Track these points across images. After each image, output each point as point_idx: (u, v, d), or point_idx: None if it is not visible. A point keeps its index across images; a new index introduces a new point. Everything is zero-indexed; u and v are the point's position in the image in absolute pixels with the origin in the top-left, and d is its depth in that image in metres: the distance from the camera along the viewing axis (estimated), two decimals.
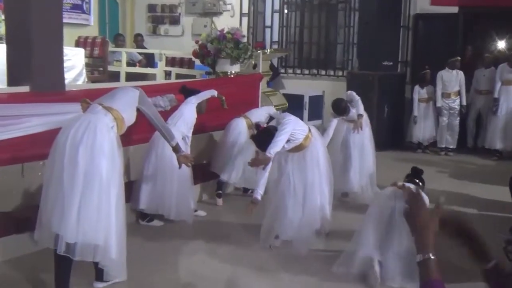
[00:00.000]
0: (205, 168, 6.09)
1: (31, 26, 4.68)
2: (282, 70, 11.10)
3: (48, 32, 4.78)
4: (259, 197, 4.40)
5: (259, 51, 7.69)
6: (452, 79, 8.92)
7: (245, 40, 7.49)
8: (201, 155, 6.13)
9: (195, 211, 5.47)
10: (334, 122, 5.92)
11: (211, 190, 6.19)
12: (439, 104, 9.04)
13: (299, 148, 4.66)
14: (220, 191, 6.10)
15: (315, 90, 10.26)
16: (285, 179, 4.77)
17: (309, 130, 4.73)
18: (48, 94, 4.71)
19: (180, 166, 4.32)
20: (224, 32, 7.09)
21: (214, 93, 5.56)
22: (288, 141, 4.47)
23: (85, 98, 3.78)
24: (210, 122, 6.26)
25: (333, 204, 5.58)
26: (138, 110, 3.93)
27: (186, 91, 5.47)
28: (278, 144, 4.33)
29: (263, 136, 4.51)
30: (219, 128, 6.40)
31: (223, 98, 5.76)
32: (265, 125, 4.89)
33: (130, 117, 3.84)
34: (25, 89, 4.69)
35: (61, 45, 4.97)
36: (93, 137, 3.48)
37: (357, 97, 5.97)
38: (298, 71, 10.98)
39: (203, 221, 5.47)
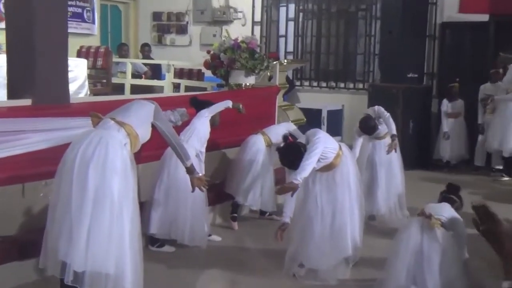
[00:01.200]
0: (218, 189, 6.01)
1: (34, 34, 4.69)
2: (298, 83, 11.05)
3: (52, 41, 4.80)
4: (288, 221, 4.33)
5: (275, 62, 7.63)
6: (495, 93, 8.62)
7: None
8: (214, 174, 6.06)
9: (209, 235, 5.39)
10: (360, 140, 5.87)
11: (225, 213, 6.11)
12: (480, 121, 8.84)
13: (329, 167, 4.59)
14: (236, 214, 6.02)
15: (334, 104, 10.21)
16: (312, 201, 4.68)
17: (340, 147, 4.66)
18: (52, 107, 4.70)
19: (193, 189, 4.23)
20: (238, 41, 7.06)
21: (229, 104, 5.51)
22: (317, 160, 4.40)
23: (95, 112, 3.71)
24: (224, 138, 6.22)
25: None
26: (152, 126, 3.87)
27: (198, 104, 5.43)
28: (307, 168, 4.25)
29: (291, 153, 4.41)
30: (233, 145, 6.35)
31: (240, 105, 5.72)
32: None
33: (144, 134, 3.78)
34: (26, 102, 4.70)
35: (66, 55, 4.99)
36: (105, 154, 3.43)
37: (387, 114, 5.89)
38: (315, 83, 10.94)
39: (218, 247, 5.40)
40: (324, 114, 9.76)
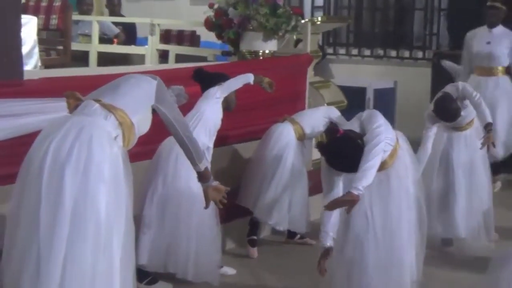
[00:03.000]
0: (230, 201, 5.95)
1: None
2: (330, 50, 11.01)
3: None
4: (332, 244, 4.40)
5: (306, 21, 7.59)
6: None
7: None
8: (224, 180, 5.98)
9: (220, 267, 5.39)
10: (433, 131, 5.87)
11: (240, 235, 6.14)
12: None
13: (381, 166, 4.57)
14: (255, 237, 6.07)
15: (383, 80, 10.16)
16: (361, 217, 4.63)
17: (397, 138, 4.67)
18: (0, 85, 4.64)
19: (207, 205, 4.16)
20: None
21: (250, 79, 5.50)
22: None
23: (73, 91, 3.67)
24: (237, 127, 6.24)
25: (429, 256, 5.42)
26: (154, 111, 3.84)
27: (205, 78, 5.41)
28: (371, 172, 4.21)
29: (346, 151, 4.35)
30: (250, 138, 6.39)
31: (266, 80, 5.73)
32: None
33: (143, 122, 3.76)
34: None
35: (18, 11, 4.95)
36: (87, 153, 3.39)
37: (477, 95, 5.86)
38: (355, 51, 10.91)
39: (231, 283, 5.41)
40: (369, 94, 9.71)
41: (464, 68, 8.19)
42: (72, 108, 3.66)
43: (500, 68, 8.08)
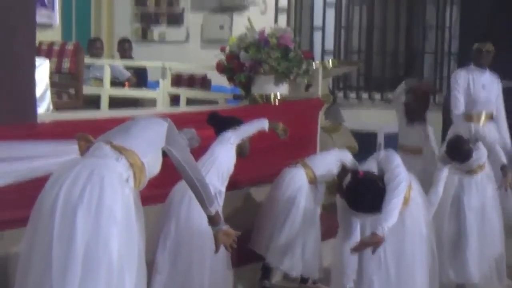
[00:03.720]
0: (241, 245, 5.92)
1: None
2: (340, 94, 11.01)
3: (14, 33, 4.79)
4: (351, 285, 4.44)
5: (317, 64, 7.61)
6: None
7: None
8: (235, 224, 5.96)
9: None
10: (445, 172, 5.85)
11: (251, 279, 6.07)
12: None
13: None
14: (267, 281, 6.03)
15: (393, 125, 10.07)
16: (374, 256, 4.63)
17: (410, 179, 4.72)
18: (14, 127, 4.69)
19: (217, 249, 4.13)
20: (266, 34, 7.05)
21: (265, 125, 5.52)
22: None
23: (84, 133, 3.67)
24: (248, 171, 6.15)
25: None
26: (164, 153, 3.82)
27: (219, 123, 5.41)
28: (395, 213, 4.27)
29: (368, 193, 4.37)
30: (262, 182, 6.37)
31: (281, 125, 5.76)
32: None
33: (153, 164, 3.74)
34: None
35: (33, 54, 5.03)
36: (99, 194, 3.38)
37: (490, 136, 5.84)
38: (365, 94, 10.90)
39: None
40: (380, 138, 9.72)
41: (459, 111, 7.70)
42: (84, 150, 3.66)
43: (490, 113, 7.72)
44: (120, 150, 3.57)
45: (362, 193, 4.46)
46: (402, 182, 4.36)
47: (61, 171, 3.52)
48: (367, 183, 4.47)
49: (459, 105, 7.52)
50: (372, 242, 4.26)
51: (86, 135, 3.71)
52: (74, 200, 3.34)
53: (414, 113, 7.42)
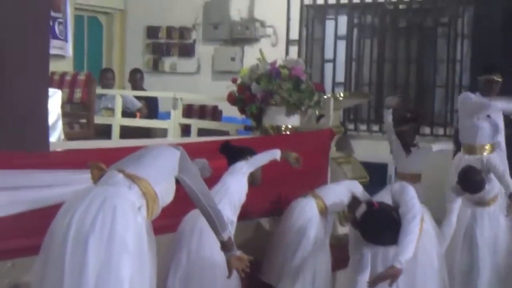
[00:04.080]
0: (252, 275, 5.90)
1: (3, 54, 4.71)
2: (351, 126, 11.00)
3: (27, 63, 4.84)
4: None
5: (328, 96, 7.62)
6: None
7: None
8: (246, 254, 5.95)
9: None
10: (458, 203, 5.87)
11: None
12: None
13: None
14: None
15: None
16: None
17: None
18: (24, 155, 4.69)
19: (230, 274, 4.17)
20: (277, 65, 7.08)
21: (277, 155, 5.53)
22: None
23: (97, 162, 3.68)
24: (259, 202, 6.15)
25: None
26: (177, 182, 3.87)
27: (232, 152, 5.42)
28: (412, 245, 4.33)
29: (383, 225, 4.38)
30: (274, 213, 6.34)
31: (293, 155, 5.79)
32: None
33: (166, 192, 3.78)
34: None
35: (46, 84, 5.08)
36: (111, 223, 3.42)
37: (501, 167, 5.84)
38: (376, 127, 10.87)
39: None
40: (391, 171, 9.68)
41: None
42: (96, 179, 3.69)
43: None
44: (132, 178, 3.61)
45: (377, 225, 4.49)
46: (418, 215, 4.38)
47: (73, 199, 3.56)
48: (382, 215, 4.50)
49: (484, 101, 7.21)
50: (390, 275, 4.29)
51: (99, 163, 3.74)
52: (86, 229, 3.38)
53: (408, 141, 7.31)
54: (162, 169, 3.78)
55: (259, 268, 5.96)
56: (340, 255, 5.85)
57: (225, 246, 4.10)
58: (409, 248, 4.30)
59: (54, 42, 10.45)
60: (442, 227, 5.53)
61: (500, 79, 7.26)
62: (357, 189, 6.04)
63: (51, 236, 3.46)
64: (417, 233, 4.37)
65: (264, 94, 7.02)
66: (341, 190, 6.08)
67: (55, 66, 9.92)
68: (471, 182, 5.81)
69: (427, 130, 10.53)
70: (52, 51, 10.50)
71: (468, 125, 6.87)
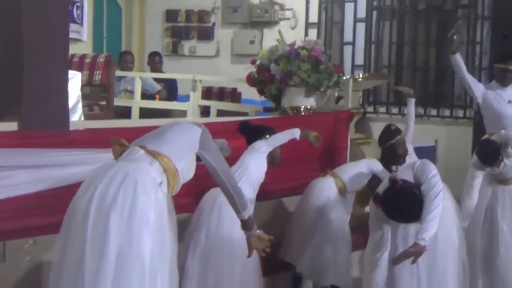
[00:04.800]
0: (271, 255, 5.92)
1: (23, 36, 4.75)
2: (370, 108, 10.98)
3: (47, 45, 4.86)
4: None
5: (348, 77, 7.62)
6: None
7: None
8: (266, 234, 6.00)
9: None
10: (480, 178, 5.83)
11: None
12: None
13: None
14: None
15: (423, 139, 10.03)
16: (407, 273, 4.69)
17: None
18: (46, 134, 4.74)
19: (250, 253, 4.17)
20: (296, 47, 7.08)
21: (296, 134, 5.52)
22: None
23: (118, 138, 3.70)
24: (278, 181, 6.20)
25: None
26: (198, 159, 3.87)
27: (251, 132, 5.44)
28: (435, 222, 4.32)
29: (406, 203, 4.39)
30: (292, 192, 6.36)
31: (312, 133, 5.79)
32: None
33: (187, 169, 3.77)
34: (11, 126, 4.72)
35: (65, 64, 5.13)
36: (132, 198, 3.42)
37: None
38: (395, 109, 10.84)
39: None
40: (410, 150, 9.60)
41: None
42: (118, 155, 3.70)
43: None
44: (154, 154, 3.61)
45: (400, 202, 4.48)
46: (440, 192, 4.39)
47: (95, 174, 3.57)
48: (405, 193, 4.50)
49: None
50: (414, 253, 4.30)
51: (121, 139, 3.75)
52: (107, 204, 3.39)
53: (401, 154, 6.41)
54: (183, 145, 3.79)
55: (278, 248, 6.00)
56: (360, 235, 5.87)
57: (246, 225, 4.08)
58: (432, 225, 4.30)
59: (71, 26, 10.52)
60: (462, 203, 5.52)
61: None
62: (377, 167, 6.06)
63: (73, 211, 3.47)
64: (439, 210, 4.37)
65: (283, 75, 7.04)
66: (360, 169, 6.11)
67: (74, 49, 9.97)
68: (487, 152, 5.79)
69: (447, 112, 10.51)
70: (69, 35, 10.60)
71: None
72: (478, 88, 7.43)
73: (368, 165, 6.14)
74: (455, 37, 7.20)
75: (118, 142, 3.73)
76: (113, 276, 3.31)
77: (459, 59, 7.30)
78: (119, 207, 3.37)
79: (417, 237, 4.30)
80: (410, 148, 6.16)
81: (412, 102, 6.34)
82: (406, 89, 6.95)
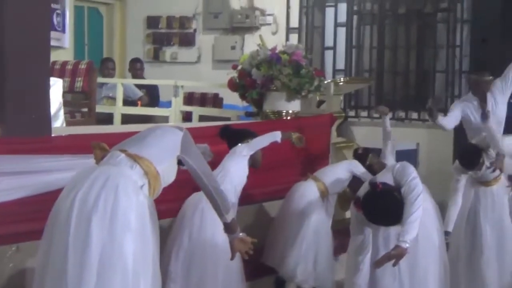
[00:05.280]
0: (255, 259, 5.93)
1: (4, 39, 4.76)
2: (351, 113, 11.02)
3: (29, 49, 4.87)
4: None
5: (329, 81, 7.65)
6: None
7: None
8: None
9: None
10: (463, 181, 5.87)
11: None
12: None
13: None
14: None
15: (405, 142, 10.09)
16: (389, 274, 4.71)
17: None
18: (28, 141, 4.74)
19: (233, 256, 4.14)
20: (277, 51, 7.11)
21: (277, 137, 5.51)
22: None
23: (99, 142, 3.72)
24: (260, 186, 6.21)
25: None
26: (180, 163, 3.86)
27: (231, 136, 5.45)
28: (416, 225, 4.32)
29: (387, 206, 4.41)
30: (274, 197, 6.38)
31: (295, 135, 5.80)
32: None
33: (168, 172, 3.77)
34: None
35: (47, 69, 5.07)
36: (114, 202, 3.42)
37: (495, 128, 5.84)
38: (376, 114, 10.86)
39: None
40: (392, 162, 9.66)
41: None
42: (99, 159, 3.69)
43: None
44: (134, 158, 3.61)
45: (381, 206, 4.48)
46: (420, 195, 4.39)
47: (76, 179, 3.56)
48: (385, 196, 4.49)
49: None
50: (396, 255, 4.30)
51: (102, 143, 3.74)
52: (89, 207, 3.38)
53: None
54: (165, 149, 3.78)
55: (261, 252, 6.01)
56: (341, 238, 5.89)
57: (229, 228, 4.07)
58: (414, 228, 4.30)
59: (52, 34, 10.49)
60: (448, 207, 5.55)
61: (489, 79, 7.26)
62: (358, 168, 6.07)
63: (55, 215, 3.47)
64: (420, 212, 4.37)
65: (265, 80, 7.06)
66: (341, 171, 6.13)
67: (55, 57, 9.96)
68: (468, 158, 5.82)
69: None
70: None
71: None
72: (456, 117, 7.38)
73: (348, 166, 6.15)
74: (433, 108, 7.19)
75: (99, 147, 3.73)
76: (96, 280, 3.30)
77: (441, 121, 7.26)
78: (101, 211, 3.37)
79: (399, 239, 4.30)
80: (391, 159, 6.16)
81: (386, 119, 6.35)
82: (381, 108, 6.92)
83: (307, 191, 5.99)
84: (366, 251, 4.70)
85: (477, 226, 6.07)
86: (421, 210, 4.39)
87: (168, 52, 12.35)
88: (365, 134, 10.66)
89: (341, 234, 5.91)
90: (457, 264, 5.85)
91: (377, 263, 4.41)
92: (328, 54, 11.24)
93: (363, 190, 4.72)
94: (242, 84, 7.27)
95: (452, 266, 5.40)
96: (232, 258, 4.13)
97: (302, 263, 5.84)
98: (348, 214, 7.23)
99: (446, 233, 5.72)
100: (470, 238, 6.09)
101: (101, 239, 3.35)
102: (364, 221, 4.60)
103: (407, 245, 4.27)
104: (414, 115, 10.65)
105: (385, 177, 4.63)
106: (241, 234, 4.09)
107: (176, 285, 4.94)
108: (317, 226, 5.89)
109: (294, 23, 11.34)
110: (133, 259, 3.38)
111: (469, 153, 5.84)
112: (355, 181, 5.91)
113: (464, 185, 5.91)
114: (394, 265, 4.38)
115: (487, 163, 5.84)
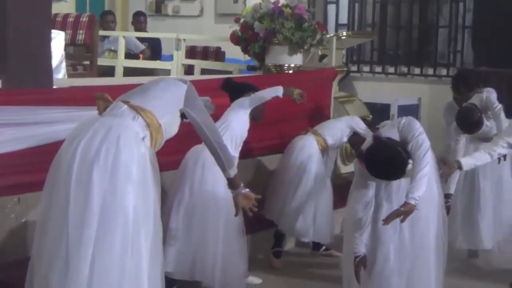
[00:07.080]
0: (255, 212, 5.97)
1: None
2: (354, 68, 11.00)
3: (31, 4, 4.84)
4: (365, 250, 4.48)
5: (331, 35, 7.62)
6: None
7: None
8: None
9: (246, 276, 5.34)
10: (463, 141, 5.89)
11: (266, 246, 6.11)
12: None
13: (409, 173, 4.60)
14: (280, 249, 6.07)
15: (407, 97, 10.12)
16: (390, 227, 4.67)
17: None
18: (30, 92, 4.72)
19: (237, 212, 4.13)
20: (280, 5, 7.08)
21: (279, 92, 5.47)
22: None
23: (103, 93, 3.70)
24: (260, 140, 6.23)
25: (456, 269, 5.61)
26: (182, 115, 3.83)
27: (234, 89, 5.43)
28: (425, 181, 4.33)
29: (390, 159, 4.40)
30: (274, 151, 6.38)
31: (296, 91, 5.75)
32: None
33: (171, 125, 3.75)
34: None
35: (48, 21, 5.05)
36: (115, 152, 3.40)
37: (497, 105, 5.83)
38: (379, 68, 10.88)
39: None
40: (394, 110, 9.70)
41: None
42: (102, 110, 3.67)
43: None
44: (137, 109, 3.59)
45: (383, 159, 4.47)
46: (429, 150, 4.40)
47: (79, 129, 3.55)
48: (388, 150, 4.47)
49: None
50: (405, 212, 4.32)
51: (105, 94, 3.71)
52: (90, 158, 3.37)
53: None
54: (168, 101, 3.74)
55: (261, 205, 6.03)
56: (342, 193, 5.91)
57: (232, 184, 4.04)
58: (422, 184, 4.32)
59: None
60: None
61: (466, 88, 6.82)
62: (359, 124, 6.06)
63: (57, 165, 3.46)
64: (428, 169, 4.38)
65: (267, 33, 7.02)
66: (340, 126, 6.10)
67: (57, 9, 9.90)
68: (466, 122, 5.81)
69: (430, 71, 10.54)
70: None
71: None
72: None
73: (348, 122, 6.13)
74: None
75: (103, 98, 3.69)
76: (97, 229, 3.30)
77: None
78: (102, 161, 3.35)
79: (407, 196, 4.30)
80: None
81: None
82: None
83: (307, 144, 6.00)
84: (369, 206, 4.70)
85: (475, 183, 6.10)
86: (429, 166, 4.39)
87: (170, 5, 12.31)
88: (367, 89, 10.68)
89: (342, 189, 5.92)
90: (454, 219, 5.89)
91: (386, 220, 4.40)
92: (331, 8, 11.21)
93: (367, 144, 4.72)
94: (244, 38, 7.23)
95: (449, 219, 5.42)
96: (236, 215, 4.12)
97: (301, 217, 5.87)
98: (344, 169, 7.34)
99: (449, 196, 5.72)
100: (468, 194, 6.12)
101: (103, 189, 3.34)
102: (367, 175, 4.59)
103: (416, 201, 4.28)
104: (417, 70, 10.65)
105: (390, 133, 4.59)
106: (244, 189, 4.06)
107: (177, 238, 4.97)
108: (316, 180, 5.91)
109: None
110: (134, 209, 3.37)
111: (468, 121, 5.81)
112: (355, 137, 5.91)
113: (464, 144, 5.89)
114: (402, 221, 4.40)
115: (487, 123, 5.84)
